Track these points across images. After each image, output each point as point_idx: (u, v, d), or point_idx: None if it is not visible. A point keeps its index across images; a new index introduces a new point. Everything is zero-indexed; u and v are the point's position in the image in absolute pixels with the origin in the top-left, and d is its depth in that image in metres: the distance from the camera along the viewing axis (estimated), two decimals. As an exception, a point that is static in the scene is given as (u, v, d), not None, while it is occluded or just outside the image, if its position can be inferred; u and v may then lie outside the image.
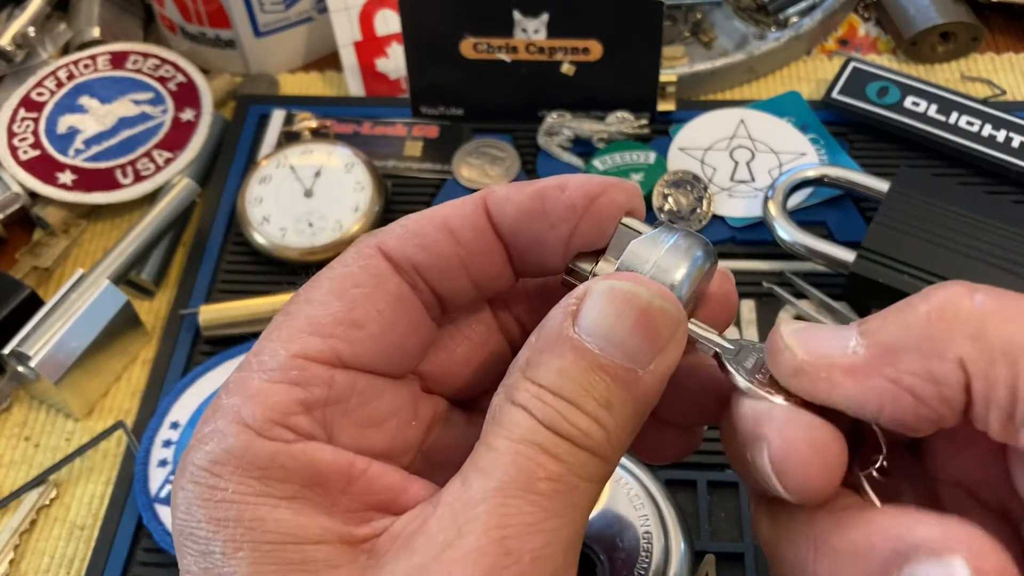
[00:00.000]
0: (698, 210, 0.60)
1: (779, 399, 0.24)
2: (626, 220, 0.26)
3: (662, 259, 0.25)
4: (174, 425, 0.53)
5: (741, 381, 0.25)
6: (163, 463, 0.52)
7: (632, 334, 0.23)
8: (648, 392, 0.23)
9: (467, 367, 0.28)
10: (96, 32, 0.72)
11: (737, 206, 0.61)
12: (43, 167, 0.64)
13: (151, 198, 0.64)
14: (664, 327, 0.23)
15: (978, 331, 0.22)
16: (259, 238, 0.60)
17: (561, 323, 0.23)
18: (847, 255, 0.56)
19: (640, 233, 0.26)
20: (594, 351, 0.22)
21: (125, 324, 0.57)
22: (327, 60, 0.75)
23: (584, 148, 0.64)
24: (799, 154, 0.63)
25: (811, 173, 0.59)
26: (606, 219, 0.26)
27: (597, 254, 0.26)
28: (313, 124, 0.64)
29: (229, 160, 0.66)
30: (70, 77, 0.69)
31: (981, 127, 0.62)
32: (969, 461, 0.26)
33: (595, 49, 0.63)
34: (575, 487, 0.22)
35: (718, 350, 0.25)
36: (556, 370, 0.22)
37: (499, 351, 0.29)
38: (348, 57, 0.70)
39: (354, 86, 0.71)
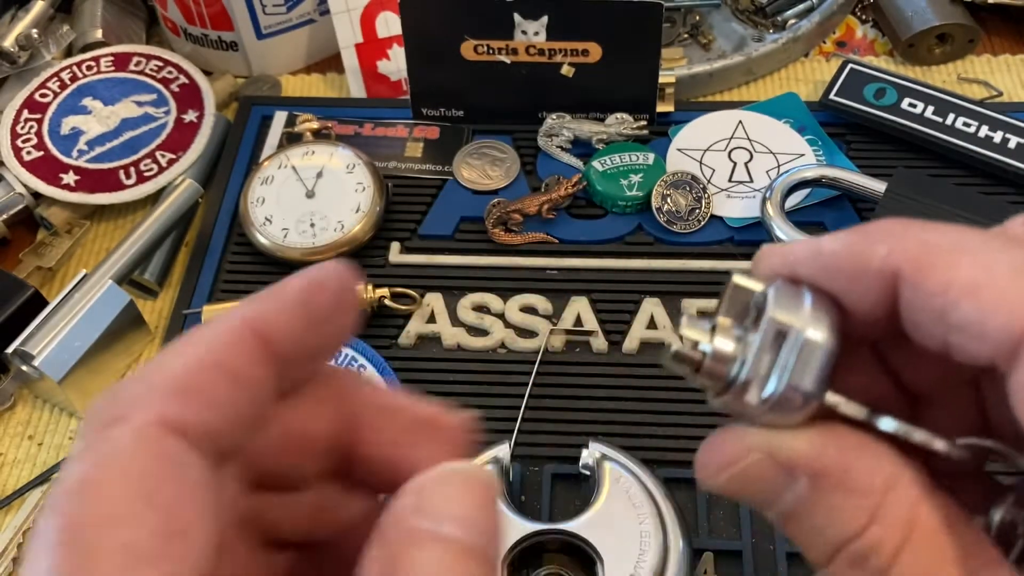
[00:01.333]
0: (697, 210, 0.60)
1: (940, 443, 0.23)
2: (738, 278, 0.24)
3: (810, 317, 0.23)
4: (177, 424, 0.53)
5: (940, 443, 0.22)
6: (166, 461, 0.52)
7: (482, 511, 0.21)
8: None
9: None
10: (99, 34, 0.73)
11: (735, 206, 0.61)
12: (46, 168, 0.64)
13: (154, 199, 0.65)
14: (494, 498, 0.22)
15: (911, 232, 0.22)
16: (261, 238, 0.60)
17: (411, 517, 0.20)
18: (844, 255, 0.56)
19: (754, 291, 0.24)
20: (462, 538, 0.20)
21: (128, 323, 0.57)
22: (329, 62, 0.75)
23: (583, 149, 0.64)
24: (797, 155, 0.63)
25: (809, 174, 0.60)
26: (335, 298, 0.23)
27: (708, 319, 0.24)
28: (315, 125, 0.64)
29: (231, 161, 0.66)
30: (73, 79, 0.69)
31: (978, 128, 0.63)
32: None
33: (594, 51, 0.63)
34: None
35: (865, 420, 0.23)
36: (432, 564, 0.19)
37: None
38: (349, 59, 0.71)
39: (355, 87, 0.71)
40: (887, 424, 0.22)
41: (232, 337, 0.21)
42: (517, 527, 0.45)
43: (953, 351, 0.21)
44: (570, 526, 0.45)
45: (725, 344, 0.23)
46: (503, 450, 0.48)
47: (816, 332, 0.22)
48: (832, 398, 0.22)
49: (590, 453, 0.48)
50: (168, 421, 0.19)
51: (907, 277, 0.21)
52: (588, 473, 0.48)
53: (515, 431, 0.52)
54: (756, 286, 0.24)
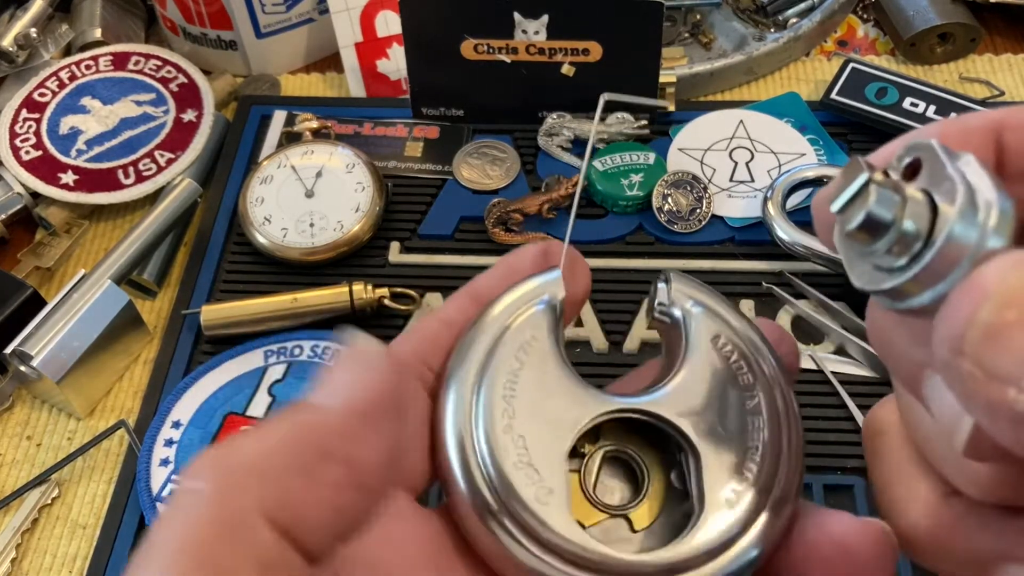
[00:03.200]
0: (698, 210, 0.60)
1: None
2: (858, 159, 0.21)
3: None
4: (176, 424, 0.53)
5: None
6: (165, 462, 0.52)
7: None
8: None
9: None
10: (98, 33, 0.73)
11: (736, 206, 0.61)
12: (45, 167, 0.64)
13: (153, 198, 0.65)
14: None
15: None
16: (260, 238, 0.60)
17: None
18: (846, 255, 0.56)
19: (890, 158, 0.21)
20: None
21: (127, 324, 0.57)
22: (328, 61, 0.75)
23: (584, 149, 0.64)
24: (798, 154, 0.63)
25: (810, 173, 0.60)
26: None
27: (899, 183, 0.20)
28: (314, 125, 0.64)
29: (230, 161, 0.66)
30: (72, 78, 0.69)
31: (979, 128, 0.62)
32: None
33: (595, 50, 0.63)
34: None
35: None
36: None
37: None
38: (349, 58, 0.70)
39: (355, 87, 0.71)
40: None
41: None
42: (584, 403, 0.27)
43: None
44: (646, 403, 0.27)
45: (915, 192, 0.20)
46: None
47: (978, 162, 0.20)
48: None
49: (667, 291, 0.29)
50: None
51: (1009, 122, 0.21)
52: (666, 320, 0.29)
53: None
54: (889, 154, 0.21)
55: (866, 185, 0.20)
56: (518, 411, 0.26)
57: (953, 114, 0.22)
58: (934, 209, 0.19)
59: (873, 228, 0.20)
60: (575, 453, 0.27)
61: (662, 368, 0.29)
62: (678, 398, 0.27)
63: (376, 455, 0.21)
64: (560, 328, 0.27)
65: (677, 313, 0.28)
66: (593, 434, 0.27)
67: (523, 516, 0.24)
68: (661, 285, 0.29)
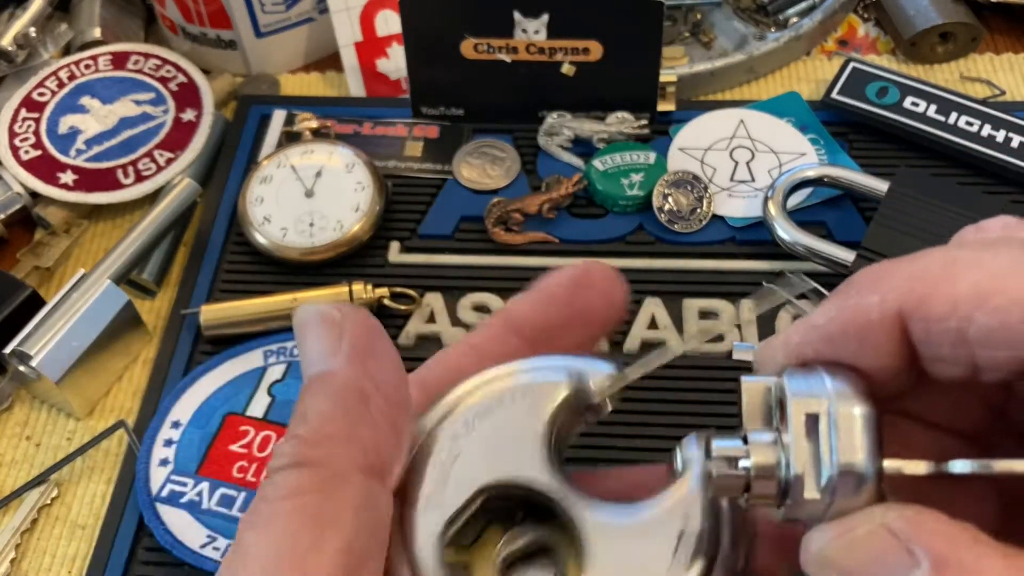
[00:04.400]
0: (698, 210, 0.60)
1: None
2: (746, 381, 0.23)
3: (834, 392, 0.22)
4: (175, 424, 0.53)
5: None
6: (164, 462, 0.52)
7: None
8: None
9: None
10: (97, 32, 0.72)
11: (737, 206, 0.61)
12: (44, 167, 0.64)
13: (152, 198, 0.65)
14: None
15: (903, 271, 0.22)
16: (260, 238, 0.60)
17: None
18: (847, 255, 0.56)
19: (768, 388, 0.23)
20: None
21: (126, 324, 0.57)
22: (328, 60, 0.75)
23: (584, 148, 0.64)
24: (799, 154, 0.63)
25: (811, 173, 0.59)
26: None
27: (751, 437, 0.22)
28: (314, 124, 0.64)
29: (230, 160, 0.66)
30: (71, 77, 0.69)
31: (980, 127, 0.62)
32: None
33: (595, 49, 0.63)
34: None
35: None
36: None
37: None
38: (349, 57, 0.70)
39: (355, 86, 0.71)
40: (961, 466, 0.21)
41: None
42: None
43: (984, 370, 0.21)
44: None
45: (765, 453, 0.22)
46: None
47: (846, 404, 0.21)
48: (891, 463, 0.21)
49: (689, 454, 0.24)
50: None
51: (911, 312, 0.21)
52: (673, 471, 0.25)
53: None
54: (768, 382, 0.23)
55: (708, 458, 0.22)
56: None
57: (871, 266, 0.23)
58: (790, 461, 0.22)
59: (730, 490, 0.22)
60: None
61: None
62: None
63: (391, 375, 0.24)
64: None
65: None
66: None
67: None
68: (704, 458, 0.24)
